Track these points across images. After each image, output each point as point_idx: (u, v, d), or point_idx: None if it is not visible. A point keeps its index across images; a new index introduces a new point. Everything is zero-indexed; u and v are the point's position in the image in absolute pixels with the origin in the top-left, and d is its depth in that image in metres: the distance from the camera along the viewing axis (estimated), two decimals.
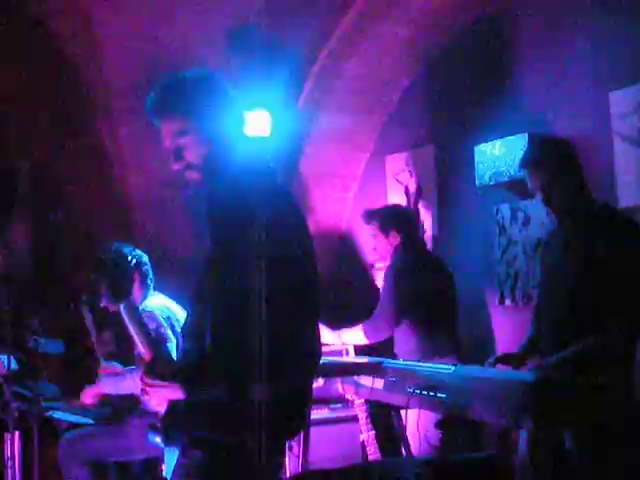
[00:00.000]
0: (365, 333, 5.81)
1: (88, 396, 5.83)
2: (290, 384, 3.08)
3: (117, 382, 5.70)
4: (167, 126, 3.24)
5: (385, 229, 5.98)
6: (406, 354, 5.74)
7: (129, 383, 5.54)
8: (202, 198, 3.21)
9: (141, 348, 3.38)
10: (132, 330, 3.39)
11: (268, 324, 2.93)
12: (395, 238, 5.95)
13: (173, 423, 3.23)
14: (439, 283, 5.98)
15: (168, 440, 3.31)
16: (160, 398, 3.29)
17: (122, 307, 3.42)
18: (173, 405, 3.21)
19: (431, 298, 5.83)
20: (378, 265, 6.44)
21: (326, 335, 5.98)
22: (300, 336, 3.10)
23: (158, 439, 3.35)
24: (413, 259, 5.94)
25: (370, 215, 6.15)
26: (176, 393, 3.12)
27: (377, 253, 6.14)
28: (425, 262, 6.05)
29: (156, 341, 3.53)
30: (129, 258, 5.73)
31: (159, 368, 3.22)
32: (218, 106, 3.25)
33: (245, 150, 3.28)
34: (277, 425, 3.04)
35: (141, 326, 3.40)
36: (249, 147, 3.32)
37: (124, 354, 6.22)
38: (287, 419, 3.15)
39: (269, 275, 2.94)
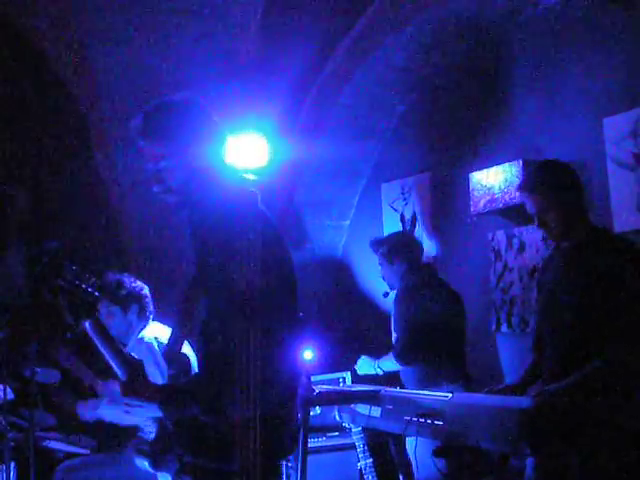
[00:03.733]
0: (396, 359, 5.85)
1: (86, 411, 5.78)
2: (275, 407, 3.08)
3: (120, 413, 5.68)
4: (148, 149, 3.28)
5: (390, 257, 6.02)
6: (413, 380, 5.77)
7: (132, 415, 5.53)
8: (185, 222, 3.24)
9: (115, 367, 3.38)
10: (103, 350, 3.39)
11: (251, 347, 2.93)
12: (401, 266, 5.98)
13: (163, 448, 3.22)
14: (447, 308, 6.00)
15: (156, 465, 3.30)
16: (141, 415, 3.31)
17: (88, 326, 3.41)
18: (163, 430, 3.21)
19: (439, 324, 5.86)
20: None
21: (366, 365, 6.03)
22: (282, 359, 3.11)
23: (146, 464, 3.34)
24: (419, 286, 5.98)
25: (376, 244, 6.18)
26: (154, 411, 3.12)
27: (385, 281, 6.20)
28: (432, 288, 6.06)
29: (131, 361, 3.52)
30: (128, 289, 5.72)
31: (136, 387, 3.22)
32: (199, 131, 3.27)
33: (225, 175, 3.29)
34: (267, 447, 3.03)
35: (112, 345, 3.40)
36: (230, 172, 3.34)
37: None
38: (276, 441, 3.14)
39: (251, 299, 2.94)
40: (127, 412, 3.57)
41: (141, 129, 3.28)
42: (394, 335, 6.12)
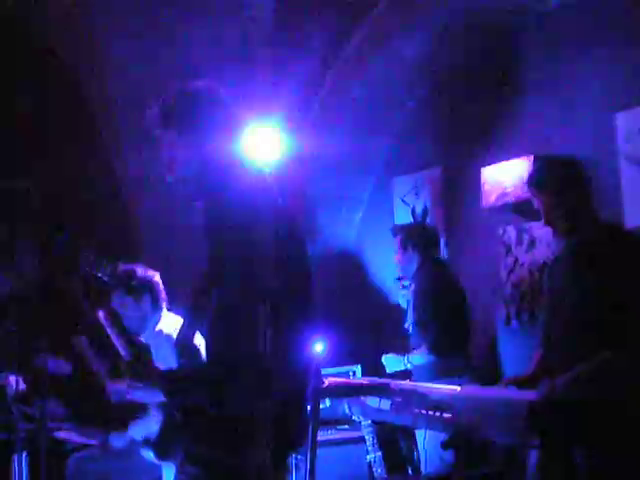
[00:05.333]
0: (431, 351, 5.90)
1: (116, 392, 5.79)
2: (283, 399, 3.07)
3: (147, 426, 5.70)
4: (164, 138, 3.28)
5: (404, 244, 6.10)
6: (423, 372, 5.81)
7: (156, 422, 5.56)
8: (199, 212, 3.23)
9: (122, 350, 3.39)
10: (115, 340, 3.41)
11: (262, 340, 2.94)
12: (413, 255, 6.06)
13: (168, 439, 3.23)
14: (457, 302, 6.12)
15: (161, 455, 3.32)
16: (143, 398, 3.31)
17: (101, 315, 3.43)
18: (169, 421, 3.22)
19: (448, 317, 5.95)
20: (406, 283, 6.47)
21: (394, 362, 6.07)
22: (293, 351, 3.13)
23: (151, 454, 3.35)
24: (431, 278, 6.09)
25: (395, 230, 6.29)
26: (156, 396, 3.13)
27: (399, 266, 6.33)
28: (444, 281, 6.17)
29: (140, 345, 3.54)
30: (140, 279, 5.74)
31: (140, 369, 3.23)
32: (216, 121, 3.24)
33: (242, 166, 3.26)
34: (276, 439, 3.04)
35: (121, 329, 3.42)
36: (246, 164, 3.30)
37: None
38: (284, 434, 3.14)
39: (265, 291, 2.95)
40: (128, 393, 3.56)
41: (157, 118, 3.27)
42: (409, 326, 6.16)
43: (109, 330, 3.43)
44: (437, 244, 6.41)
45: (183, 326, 3.32)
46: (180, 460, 3.17)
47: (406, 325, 6.39)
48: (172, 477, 3.35)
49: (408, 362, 6.04)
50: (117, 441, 5.80)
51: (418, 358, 6.00)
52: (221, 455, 3.04)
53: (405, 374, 6.12)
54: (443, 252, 7.12)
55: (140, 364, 3.27)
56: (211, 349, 3.09)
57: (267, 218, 3.09)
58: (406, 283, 6.47)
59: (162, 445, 3.29)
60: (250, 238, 3.01)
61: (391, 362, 6.17)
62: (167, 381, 3.12)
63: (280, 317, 2.99)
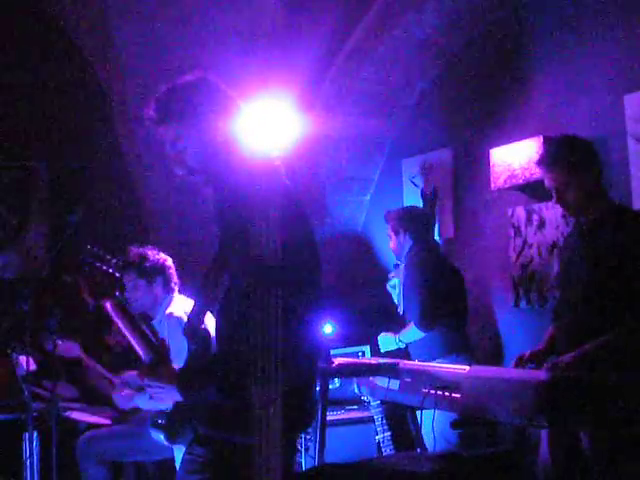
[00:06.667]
0: (418, 326, 5.95)
1: (122, 401, 5.83)
2: (294, 381, 3.09)
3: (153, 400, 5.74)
4: (165, 133, 3.32)
5: (396, 229, 6.19)
6: (422, 351, 5.87)
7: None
8: (210, 200, 3.27)
9: (135, 347, 3.41)
10: (125, 331, 3.42)
11: (275, 322, 2.95)
12: (405, 238, 6.14)
13: (178, 420, 3.26)
14: (453, 283, 6.21)
15: (172, 438, 3.34)
16: (159, 399, 3.34)
17: (109, 307, 3.44)
18: (179, 402, 3.24)
19: (446, 296, 6.02)
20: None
21: (387, 341, 6.13)
22: (303, 334, 3.13)
23: (162, 437, 3.37)
24: (426, 259, 6.16)
25: (387, 215, 6.35)
26: (174, 396, 3.16)
27: (393, 251, 6.42)
28: (432, 260, 6.24)
29: (155, 344, 3.55)
30: (152, 261, 5.76)
31: (159, 371, 3.26)
32: (211, 109, 3.28)
33: (245, 150, 3.29)
34: (285, 420, 3.05)
35: (134, 325, 3.43)
36: (250, 147, 3.33)
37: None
38: (295, 415, 3.15)
39: (278, 273, 2.97)
40: (150, 397, 3.61)
41: (155, 115, 3.32)
42: (401, 307, 6.22)
43: (118, 322, 3.44)
44: (428, 226, 6.48)
45: (193, 311, 3.35)
46: (189, 441, 3.20)
47: (399, 309, 6.45)
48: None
49: (399, 340, 6.09)
50: (121, 402, 5.84)
51: (406, 335, 6.06)
52: (231, 435, 3.08)
53: (401, 353, 6.16)
54: (450, 233, 7.14)
55: (160, 367, 3.31)
56: (223, 332, 3.10)
57: (273, 201, 3.10)
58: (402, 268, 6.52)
59: (172, 427, 3.31)
60: (256, 221, 3.03)
61: (385, 341, 6.24)
62: (183, 380, 3.14)
63: (288, 300, 3.00)
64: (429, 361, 5.53)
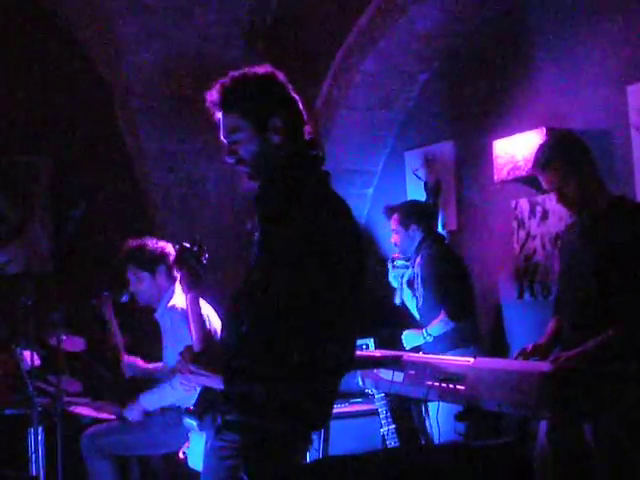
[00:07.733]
0: (450, 318, 5.99)
1: (132, 414, 5.87)
2: (327, 375, 3.17)
3: (160, 397, 5.75)
4: (224, 120, 3.33)
5: (405, 223, 6.16)
6: (443, 343, 5.96)
7: (170, 394, 5.60)
8: (253, 193, 3.34)
9: (194, 338, 3.46)
10: (191, 320, 3.49)
11: (313, 314, 3.05)
12: (416, 232, 6.13)
13: (206, 407, 3.30)
14: (463, 271, 6.28)
15: (203, 424, 3.38)
16: (186, 389, 3.41)
17: (189, 298, 3.54)
18: (207, 390, 3.28)
19: (471, 286, 6.19)
20: (399, 263, 6.50)
21: (413, 337, 6.13)
22: (341, 328, 3.20)
23: (194, 423, 3.41)
24: (445, 251, 6.29)
25: (391, 210, 6.32)
26: (217, 383, 3.20)
27: (398, 247, 6.35)
28: (449, 251, 6.37)
29: (210, 335, 3.62)
30: (152, 250, 5.76)
31: (207, 359, 3.31)
32: (274, 106, 3.31)
33: (299, 152, 3.35)
34: (310, 412, 3.15)
35: (199, 317, 3.50)
36: (304, 149, 3.39)
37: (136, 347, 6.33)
38: (318, 408, 3.22)
39: (318, 270, 3.08)
40: (181, 383, 3.67)
41: (218, 101, 3.32)
42: (420, 300, 6.20)
43: (190, 313, 3.55)
44: (436, 218, 6.49)
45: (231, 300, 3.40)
46: (218, 428, 3.24)
47: (397, 301, 6.44)
48: (202, 445, 3.41)
49: (428, 335, 6.07)
50: (132, 414, 5.85)
51: (437, 328, 6.04)
52: (262, 421, 3.12)
53: (417, 348, 6.16)
54: (453, 226, 7.13)
55: (211, 355, 3.36)
56: (262, 343, 3.12)
57: (318, 201, 3.27)
58: (399, 263, 6.50)
59: (203, 414, 3.35)
60: (302, 219, 3.17)
61: (410, 338, 6.21)
62: (228, 376, 3.17)
63: (331, 295, 3.13)
64: (445, 353, 5.58)
